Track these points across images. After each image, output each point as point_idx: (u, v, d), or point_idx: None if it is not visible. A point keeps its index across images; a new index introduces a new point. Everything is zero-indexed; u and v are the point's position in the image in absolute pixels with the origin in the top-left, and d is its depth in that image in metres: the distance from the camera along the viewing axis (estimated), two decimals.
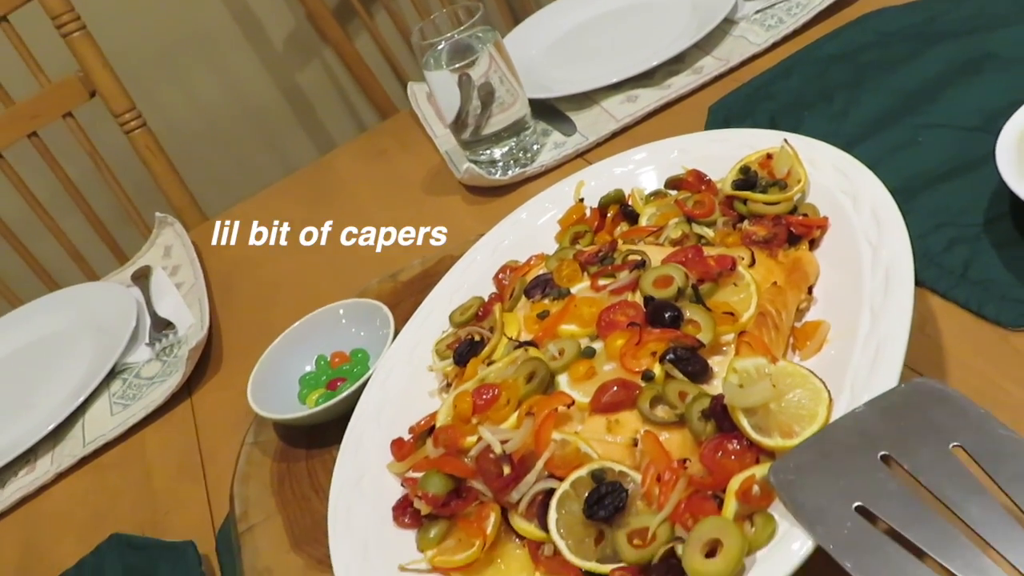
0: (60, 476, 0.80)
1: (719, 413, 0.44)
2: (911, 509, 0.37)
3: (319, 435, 0.64)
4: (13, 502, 0.79)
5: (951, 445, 0.39)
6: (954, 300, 0.56)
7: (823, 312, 0.52)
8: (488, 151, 0.92)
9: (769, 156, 0.62)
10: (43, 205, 1.30)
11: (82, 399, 0.85)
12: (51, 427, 0.83)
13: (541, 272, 0.60)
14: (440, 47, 0.88)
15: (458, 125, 0.90)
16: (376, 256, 0.91)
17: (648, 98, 0.93)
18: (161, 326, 0.93)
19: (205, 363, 0.86)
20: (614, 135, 0.91)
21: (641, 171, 0.68)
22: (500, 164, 0.92)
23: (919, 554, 0.36)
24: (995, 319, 0.53)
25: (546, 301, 0.57)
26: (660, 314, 0.50)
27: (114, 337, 0.91)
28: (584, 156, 0.91)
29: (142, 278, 1.02)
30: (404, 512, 0.51)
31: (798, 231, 0.56)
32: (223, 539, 0.65)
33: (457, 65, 0.85)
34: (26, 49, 1.22)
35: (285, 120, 1.95)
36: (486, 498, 0.48)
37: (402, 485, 0.52)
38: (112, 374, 0.88)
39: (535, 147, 0.93)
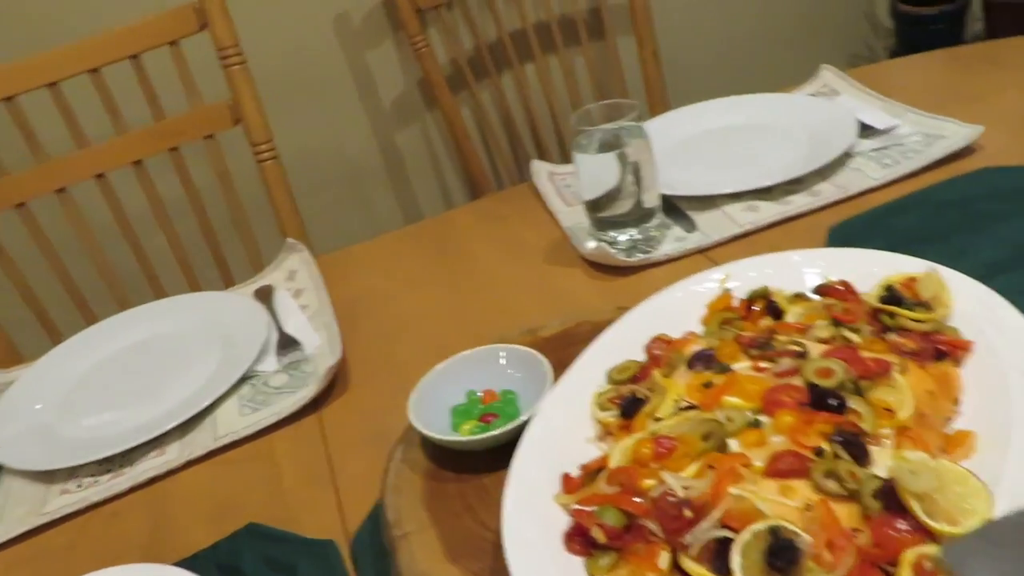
0: (190, 463, 0.85)
1: (889, 494, 0.50)
2: None
3: (468, 461, 0.70)
4: (144, 480, 0.84)
5: None
6: None
7: (968, 424, 0.58)
8: (612, 234, 1.00)
9: (912, 279, 0.69)
10: (166, 210, 1.39)
11: (215, 397, 0.91)
12: (184, 418, 0.88)
13: (701, 348, 0.67)
14: (593, 134, 0.97)
15: (601, 202, 0.98)
16: (503, 308, 0.98)
17: (769, 211, 1.01)
18: (286, 343, 0.99)
19: (332, 384, 0.92)
20: (735, 238, 0.99)
21: (788, 273, 0.75)
22: (623, 248, 1.00)
23: None
24: None
25: (707, 373, 0.63)
26: (824, 400, 0.57)
27: (244, 344, 0.98)
28: (705, 253, 0.98)
29: (265, 296, 1.10)
30: (574, 539, 0.56)
31: (945, 348, 0.62)
32: (359, 544, 0.70)
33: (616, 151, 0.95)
34: (188, 72, 1.32)
35: (375, 176, 2.06)
36: (655, 538, 0.53)
37: (570, 515, 0.58)
38: (241, 379, 0.94)
39: (658, 237, 1.01)
